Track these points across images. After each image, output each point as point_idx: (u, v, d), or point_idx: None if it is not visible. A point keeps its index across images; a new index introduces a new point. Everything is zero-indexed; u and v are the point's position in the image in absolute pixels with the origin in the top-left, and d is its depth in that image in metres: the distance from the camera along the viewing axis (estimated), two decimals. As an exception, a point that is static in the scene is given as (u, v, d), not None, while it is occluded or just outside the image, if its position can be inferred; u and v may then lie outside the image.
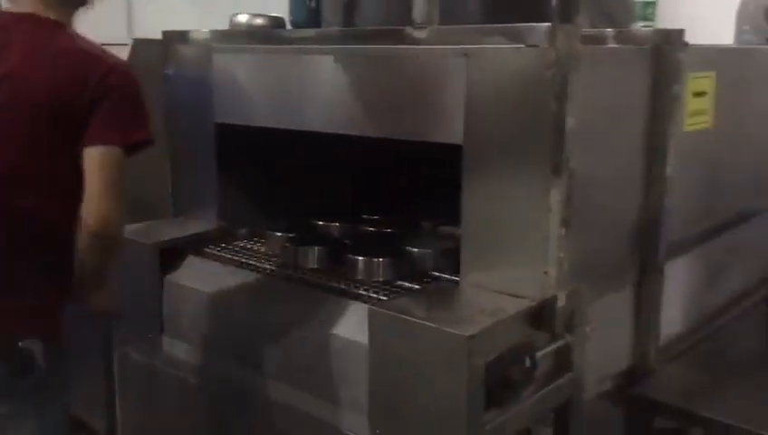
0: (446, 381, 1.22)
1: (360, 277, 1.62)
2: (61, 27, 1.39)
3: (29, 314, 1.34)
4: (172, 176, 1.96)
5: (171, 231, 1.85)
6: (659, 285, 1.75)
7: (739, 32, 3.62)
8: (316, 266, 1.70)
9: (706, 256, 2.04)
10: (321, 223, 2.01)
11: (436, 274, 1.66)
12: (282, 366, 1.53)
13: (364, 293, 1.55)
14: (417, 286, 1.57)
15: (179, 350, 1.74)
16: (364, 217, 2.11)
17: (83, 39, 1.40)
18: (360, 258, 1.64)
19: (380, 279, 1.61)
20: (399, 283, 1.60)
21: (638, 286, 1.73)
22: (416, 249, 1.71)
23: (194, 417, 1.71)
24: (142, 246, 1.77)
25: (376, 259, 1.63)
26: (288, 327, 1.53)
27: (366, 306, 1.37)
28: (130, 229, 1.81)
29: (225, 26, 1.87)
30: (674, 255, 1.80)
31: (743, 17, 3.55)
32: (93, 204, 1.30)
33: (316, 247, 1.72)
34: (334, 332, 1.44)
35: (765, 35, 3.32)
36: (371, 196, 2.21)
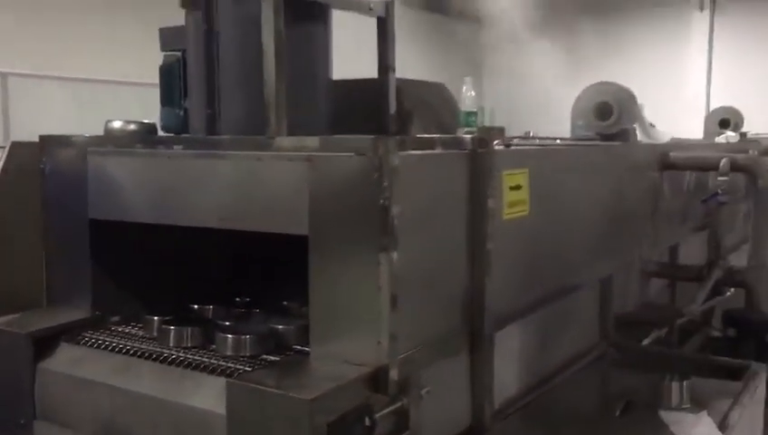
0: (293, 440, 1.41)
1: (229, 353, 1.79)
2: None
3: None
4: (47, 268, 2.08)
5: (45, 320, 1.96)
6: (490, 351, 2.01)
7: (574, 126, 4.15)
8: (189, 345, 1.86)
9: (535, 325, 2.35)
10: (195, 306, 2.19)
11: (299, 347, 1.87)
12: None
13: (232, 367, 1.71)
14: (278, 359, 1.77)
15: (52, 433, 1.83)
16: (237, 299, 2.31)
17: None
18: (229, 336, 1.82)
19: (248, 354, 1.79)
20: (264, 357, 1.79)
21: (471, 353, 2.00)
22: (280, 326, 1.92)
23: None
24: (15, 335, 1.88)
25: (243, 336, 1.82)
26: (155, 403, 1.67)
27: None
28: (3, 320, 1.93)
29: (99, 132, 2.05)
30: (502, 324, 2.08)
31: (576, 113, 4.08)
32: None
33: (189, 328, 1.89)
34: (196, 404, 1.60)
35: (596, 130, 3.84)
36: (244, 279, 2.41)
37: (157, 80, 2.10)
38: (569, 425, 2.17)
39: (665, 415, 2.15)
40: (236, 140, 1.80)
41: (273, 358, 1.78)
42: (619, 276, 3.02)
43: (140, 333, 1.99)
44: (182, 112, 1.98)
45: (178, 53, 2.02)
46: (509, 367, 2.21)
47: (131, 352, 1.85)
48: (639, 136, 4.04)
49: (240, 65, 1.87)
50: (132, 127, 1.97)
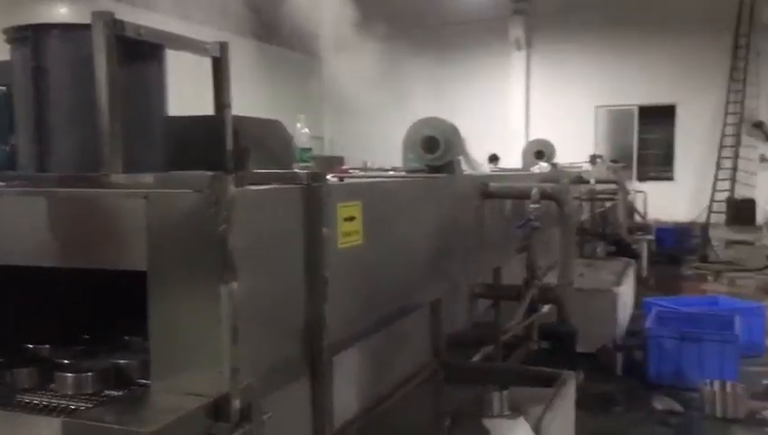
0: (135, 474, 1.42)
1: (70, 392, 1.76)
2: None
3: None
4: None
5: None
6: (329, 375, 2.12)
7: (405, 158, 4.40)
8: (27, 387, 1.79)
9: (372, 347, 2.49)
10: (31, 346, 2.10)
11: (143, 381, 1.86)
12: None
13: (71, 406, 1.68)
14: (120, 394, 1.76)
15: None
16: (77, 336, 2.24)
17: None
18: (69, 374, 1.78)
19: (90, 391, 1.76)
20: (107, 393, 1.77)
21: (311, 378, 2.09)
22: (122, 361, 1.90)
23: None
24: None
25: (84, 374, 1.79)
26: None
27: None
28: None
29: None
30: (340, 349, 2.20)
31: (407, 146, 4.33)
32: None
33: (26, 369, 1.82)
34: (30, 448, 1.57)
35: (425, 162, 4.10)
36: (83, 317, 2.34)
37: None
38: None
39: (488, 423, 2.36)
40: (71, 177, 1.79)
41: (116, 394, 1.77)
42: (448, 298, 3.25)
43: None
44: (8, 148, 1.92)
45: (4, 88, 1.96)
46: (347, 389, 2.32)
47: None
48: (464, 167, 4.35)
49: (71, 103, 1.85)
50: (-46, 163, 1.88)
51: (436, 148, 3.97)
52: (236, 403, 1.63)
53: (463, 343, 3.42)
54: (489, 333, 3.74)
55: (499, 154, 12.97)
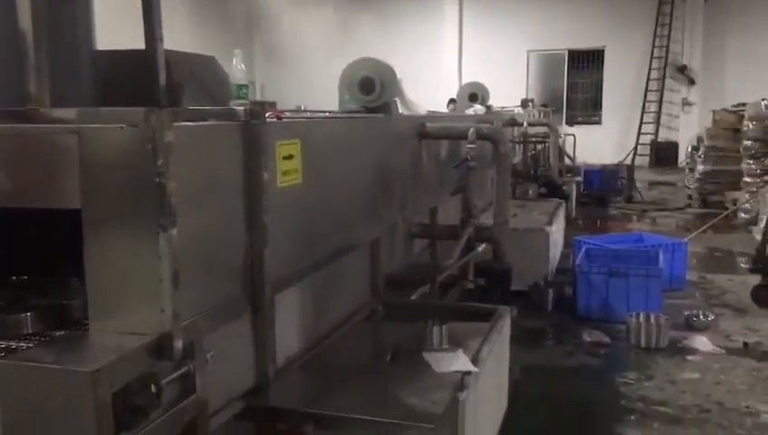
0: (77, 415, 1.39)
1: (12, 332, 1.68)
2: None
3: None
4: None
5: None
6: (271, 314, 2.12)
7: (341, 100, 4.35)
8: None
9: (313, 286, 2.50)
10: None
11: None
12: None
13: (14, 346, 1.61)
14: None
15: None
16: (13, 278, 2.16)
17: None
18: (9, 315, 1.72)
19: (32, 331, 1.70)
20: (50, 333, 1.71)
21: (253, 316, 2.09)
22: (64, 301, 1.84)
23: None
24: None
25: (24, 314, 1.73)
26: None
27: (-5, 362, 1.48)
28: None
29: None
30: (281, 288, 2.20)
31: (343, 87, 4.28)
32: None
33: None
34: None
35: (361, 103, 4.07)
36: (20, 257, 2.25)
37: None
38: (346, 375, 2.36)
39: (427, 356, 2.42)
40: (-3, 112, 1.70)
41: (59, 334, 1.71)
42: (386, 239, 3.29)
43: None
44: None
45: None
46: (289, 327, 2.34)
47: None
48: (400, 109, 4.34)
49: (-6, 32, 1.74)
50: None
51: (373, 89, 3.94)
52: (179, 342, 1.62)
53: (400, 282, 3.48)
54: (426, 273, 3.81)
55: (431, 98, 12.94)
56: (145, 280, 1.59)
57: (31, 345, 1.61)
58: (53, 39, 1.75)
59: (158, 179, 1.55)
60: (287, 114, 2.74)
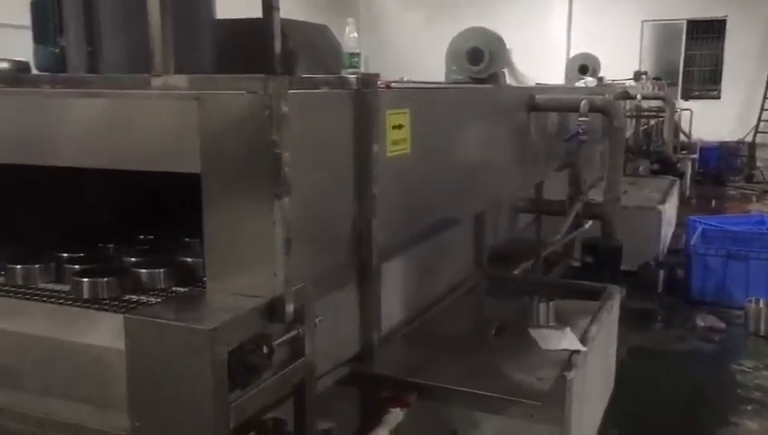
0: (194, 370, 1.44)
1: (146, 287, 1.82)
2: None
3: None
4: None
5: None
6: (377, 282, 2.14)
7: (448, 71, 4.30)
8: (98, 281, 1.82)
9: (418, 257, 2.50)
10: (110, 245, 2.17)
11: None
12: (44, 381, 1.66)
13: (144, 300, 1.74)
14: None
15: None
16: (140, 237, 2.30)
17: None
18: (144, 270, 1.84)
19: (160, 287, 1.82)
20: (175, 289, 1.81)
21: (359, 284, 2.11)
22: (189, 259, 1.93)
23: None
24: None
25: (155, 270, 1.85)
26: (48, 343, 1.66)
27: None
28: None
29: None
30: (387, 257, 2.20)
31: (450, 58, 4.22)
32: None
33: (96, 266, 1.86)
34: (92, 341, 1.61)
35: (469, 74, 4.00)
36: (142, 219, 2.39)
37: (27, 22, 2.00)
38: (450, 346, 2.35)
39: (533, 332, 2.37)
40: (122, 78, 1.77)
41: (182, 291, 1.80)
42: (491, 212, 3.23)
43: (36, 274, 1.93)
44: (58, 50, 1.91)
45: (52, -11, 1.92)
46: (394, 297, 2.35)
47: (19, 293, 1.81)
48: (508, 80, 4.24)
49: (121, 3, 1.82)
50: (4, 65, 1.88)
51: (481, 59, 3.87)
52: (290, 306, 1.65)
53: (503, 257, 3.42)
54: (530, 248, 3.73)
55: (539, 70, 12.58)
56: (259, 245, 1.62)
57: (159, 300, 1.69)
58: (178, 9, 1.80)
59: (274, 149, 1.57)
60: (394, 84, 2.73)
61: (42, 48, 1.93)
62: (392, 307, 2.33)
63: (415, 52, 14.04)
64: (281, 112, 1.58)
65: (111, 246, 2.17)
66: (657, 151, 7.53)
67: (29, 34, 2.03)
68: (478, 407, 2.02)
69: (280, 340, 1.64)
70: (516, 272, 3.50)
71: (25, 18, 2.04)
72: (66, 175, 1.88)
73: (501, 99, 3.38)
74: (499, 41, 3.99)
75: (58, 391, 1.64)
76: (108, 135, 1.75)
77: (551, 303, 2.48)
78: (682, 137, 10.65)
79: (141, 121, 1.71)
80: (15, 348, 1.68)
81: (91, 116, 1.75)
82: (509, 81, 4.21)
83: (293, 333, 1.70)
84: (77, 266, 1.88)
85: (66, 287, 1.82)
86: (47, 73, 1.94)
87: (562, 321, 2.47)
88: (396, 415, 2.00)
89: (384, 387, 2.12)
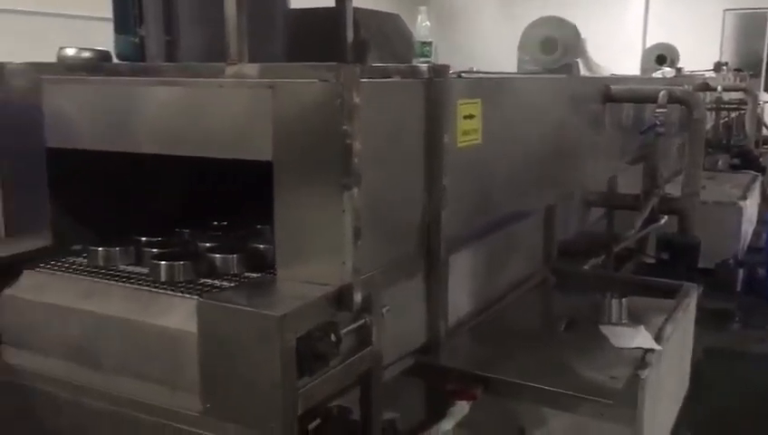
0: (264, 355, 1.46)
1: (219, 272, 1.85)
2: None
3: None
4: (3, 198, 2.06)
5: (5, 249, 1.96)
6: (445, 274, 2.12)
7: (520, 61, 4.23)
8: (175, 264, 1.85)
9: (486, 249, 2.47)
10: (186, 230, 2.22)
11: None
12: (119, 361, 1.72)
13: (218, 284, 1.77)
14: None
15: (20, 358, 1.85)
16: (214, 223, 2.36)
17: None
18: (218, 255, 1.88)
19: (234, 272, 1.85)
20: (247, 275, 1.84)
21: (427, 275, 2.10)
22: (262, 246, 1.96)
23: (39, 419, 1.83)
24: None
25: (229, 255, 1.88)
26: (125, 324, 1.72)
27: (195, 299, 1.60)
28: (-38, 249, 1.92)
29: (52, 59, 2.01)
30: (456, 249, 2.18)
31: (523, 47, 4.15)
32: None
33: (173, 250, 1.91)
34: (167, 324, 1.65)
35: (542, 65, 3.93)
36: (214, 206, 2.44)
37: (108, 14, 2.06)
38: (518, 340, 2.31)
39: (605, 329, 2.30)
40: (198, 66, 1.80)
41: (255, 276, 1.83)
42: (562, 205, 3.16)
43: (116, 256, 1.99)
44: (137, 40, 1.96)
45: (132, -20, 1.98)
46: (461, 289, 2.32)
47: (96, 277, 1.87)
48: (582, 70, 4.15)
49: (199, -8, 1.85)
50: (87, 54, 1.94)
51: (555, 49, 3.79)
52: (358, 295, 1.65)
53: (573, 251, 3.35)
54: (601, 243, 3.64)
55: (614, 59, 12.21)
56: (328, 234, 1.63)
57: (231, 285, 1.72)
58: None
59: (345, 140, 1.57)
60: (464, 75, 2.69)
61: (122, 38, 1.99)
62: (459, 299, 2.31)
63: (487, 41, 13.82)
64: (352, 102, 1.58)
65: (187, 231, 2.22)
66: (737, 145, 7.21)
67: (110, 26, 2.09)
68: (547, 403, 1.98)
69: (347, 328, 1.65)
70: (586, 267, 3.42)
71: (107, 10, 2.10)
72: (144, 161, 1.94)
73: (574, 89, 3.30)
74: (573, 30, 3.89)
75: (132, 371, 1.69)
76: (184, 122, 1.79)
77: (623, 299, 2.41)
78: (765, 131, 10.16)
79: (216, 109, 1.74)
80: (94, 328, 1.74)
81: (168, 103, 1.79)
82: (583, 71, 4.10)
83: (361, 321, 1.71)
84: (155, 250, 1.93)
85: (145, 270, 1.87)
86: (127, 62, 2.00)
87: (635, 318, 2.39)
88: (462, 408, 1.98)
89: (450, 379, 2.10)
